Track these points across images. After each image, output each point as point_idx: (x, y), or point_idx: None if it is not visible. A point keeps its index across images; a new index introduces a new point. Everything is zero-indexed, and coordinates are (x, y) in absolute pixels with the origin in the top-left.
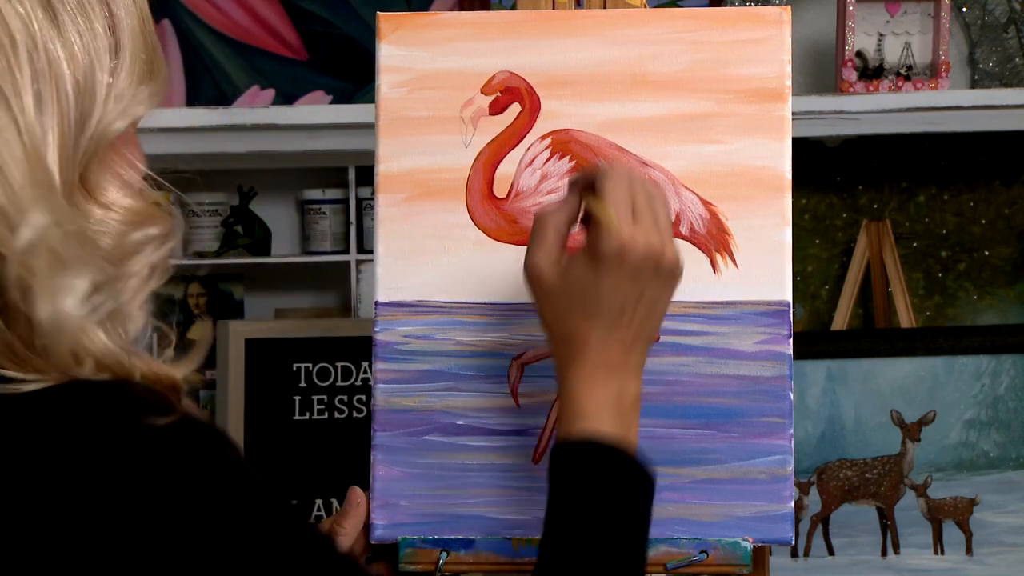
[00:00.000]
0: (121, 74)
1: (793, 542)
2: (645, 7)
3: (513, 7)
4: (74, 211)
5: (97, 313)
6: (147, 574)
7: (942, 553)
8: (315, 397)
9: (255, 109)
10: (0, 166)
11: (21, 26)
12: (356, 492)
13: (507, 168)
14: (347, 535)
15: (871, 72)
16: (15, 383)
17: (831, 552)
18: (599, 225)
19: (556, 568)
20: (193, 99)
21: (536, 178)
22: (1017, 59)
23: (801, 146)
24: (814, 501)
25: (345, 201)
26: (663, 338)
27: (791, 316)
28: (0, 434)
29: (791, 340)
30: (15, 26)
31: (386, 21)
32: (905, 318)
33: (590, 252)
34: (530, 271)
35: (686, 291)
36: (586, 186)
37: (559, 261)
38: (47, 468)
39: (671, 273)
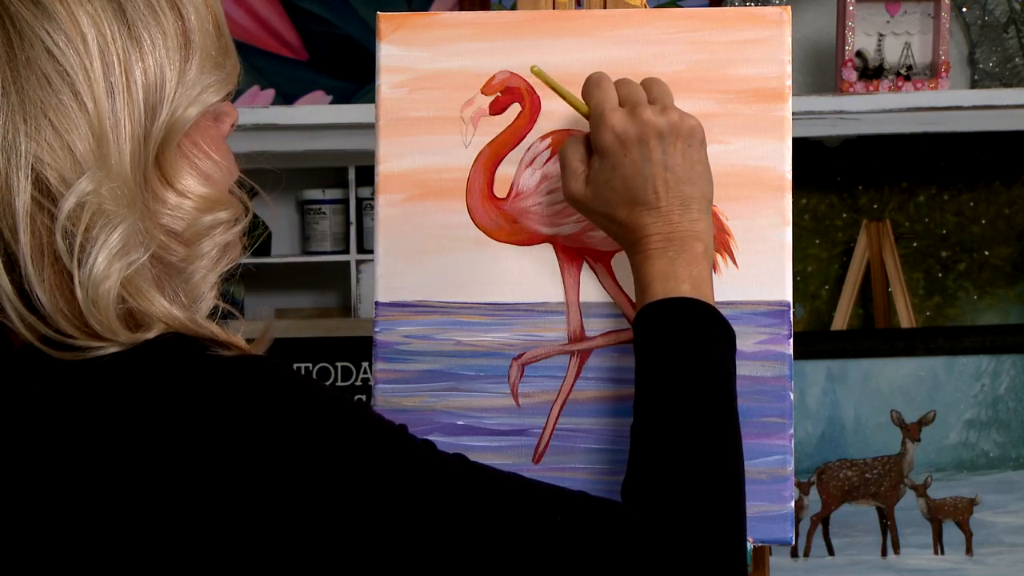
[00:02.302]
0: (191, 68)
1: (793, 542)
2: (645, 7)
3: (513, 7)
4: (135, 190)
5: (132, 268)
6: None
7: (942, 553)
8: None
9: (255, 109)
10: (68, 143)
11: (92, 25)
12: None
13: (507, 168)
14: None
15: (871, 72)
16: (85, 351)
17: (831, 552)
18: (592, 120)
19: (652, 420)
20: None
21: (536, 178)
22: (1017, 59)
23: (801, 146)
24: (814, 501)
25: (345, 201)
26: None
27: (791, 316)
28: (76, 399)
29: (791, 340)
30: (85, 25)
31: (386, 21)
32: (905, 318)
33: (597, 151)
34: (569, 199)
35: None
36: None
37: (584, 175)
38: (135, 429)
39: (684, 134)
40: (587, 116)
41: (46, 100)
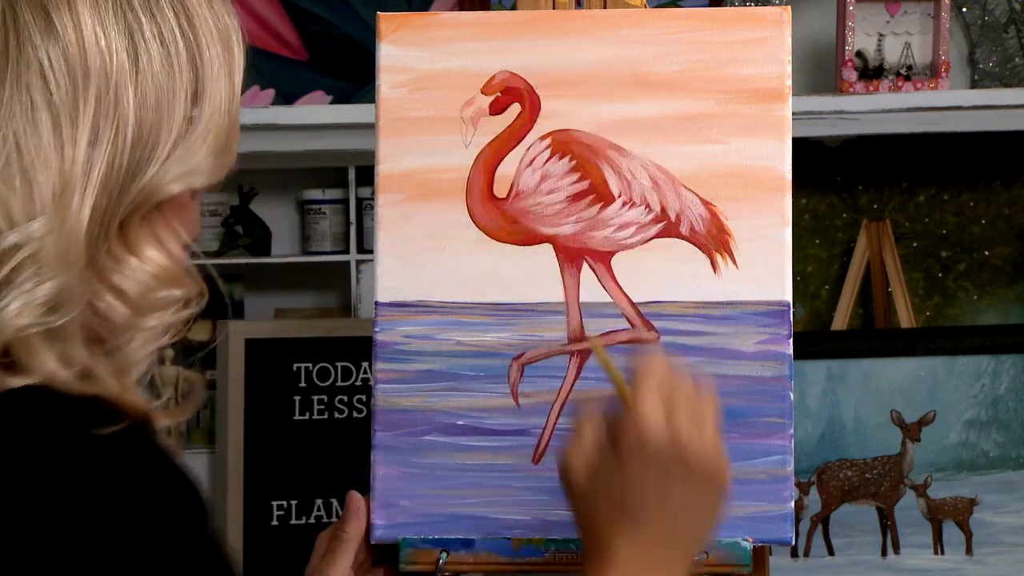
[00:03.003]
0: (192, 140)
1: (793, 542)
2: (645, 7)
3: (513, 7)
4: (86, 247)
5: (44, 327)
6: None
7: (942, 553)
8: (315, 397)
9: (255, 109)
10: (31, 180)
11: (99, 62)
12: (355, 497)
13: (507, 168)
14: (350, 540)
15: (871, 72)
16: None
17: (831, 552)
18: (627, 414)
19: None
20: None
21: (536, 178)
22: (1017, 59)
23: (801, 146)
24: (814, 501)
25: (345, 201)
26: (663, 338)
27: (791, 316)
28: None
29: (791, 340)
30: (92, 60)
31: (386, 21)
32: (905, 318)
33: (614, 443)
34: (562, 470)
35: (686, 291)
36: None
37: (591, 459)
38: None
39: (707, 476)
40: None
41: (24, 128)
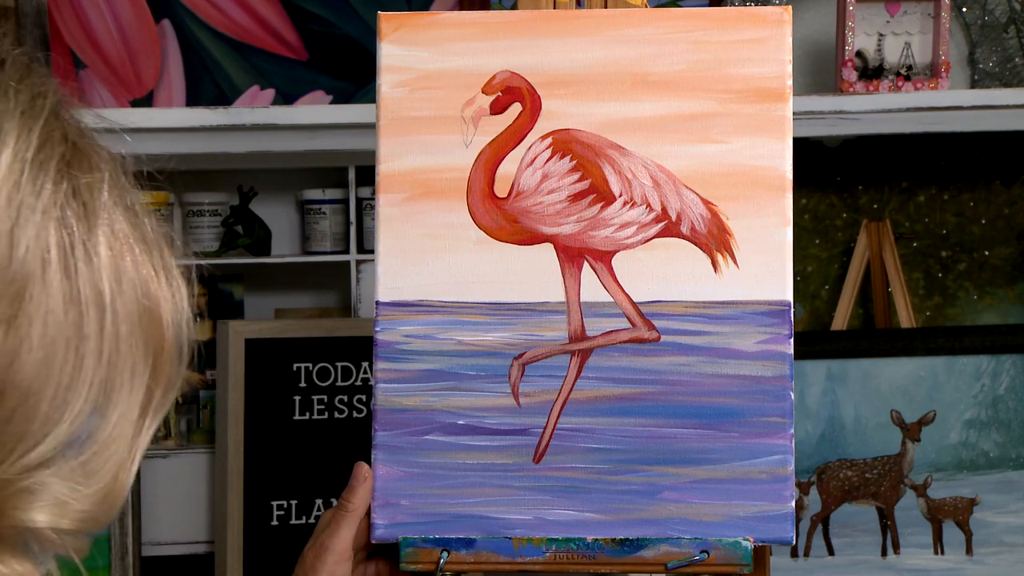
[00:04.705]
0: (87, 457)
1: (793, 542)
2: (646, 7)
3: (514, 7)
4: None
5: None
6: None
7: (942, 553)
8: (315, 397)
9: (255, 109)
10: None
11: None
12: (362, 467)
13: (508, 168)
14: (356, 510)
15: (871, 72)
16: None
17: (831, 552)
18: None
19: None
20: (193, 99)
21: (537, 178)
22: (1017, 59)
23: (801, 146)
24: (814, 501)
25: (345, 201)
26: (664, 338)
27: (792, 316)
28: None
29: (792, 340)
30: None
31: (387, 21)
32: (905, 318)
33: None
34: None
35: (687, 291)
36: None
37: None
38: None
39: None
40: None
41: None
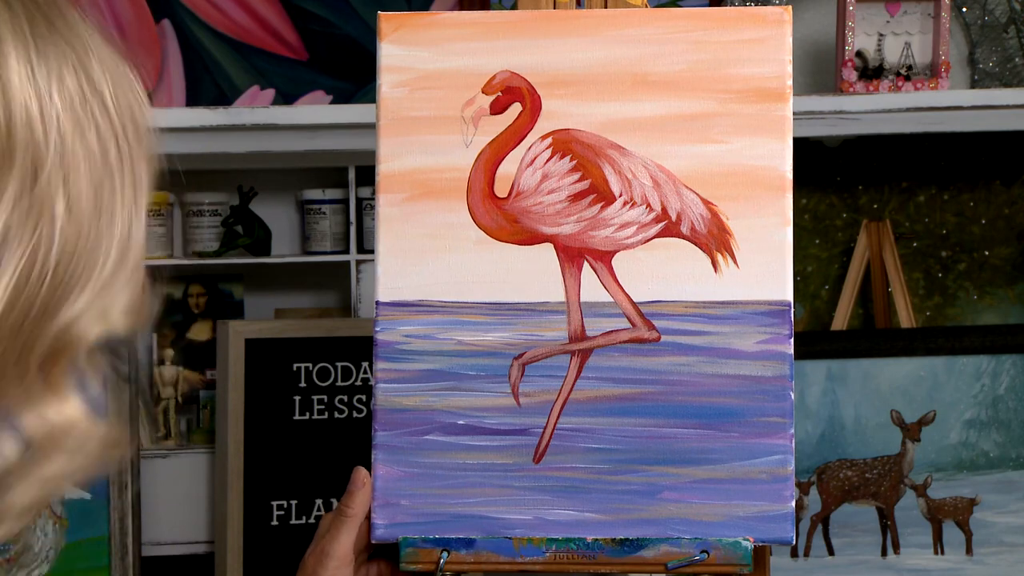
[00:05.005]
0: (128, 267)
1: (793, 542)
2: (646, 7)
3: (514, 7)
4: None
5: None
6: None
7: (942, 553)
8: (315, 397)
9: (255, 109)
10: None
11: (27, 132)
12: (361, 472)
13: (508, 168)
14: (355, 516)
15: (871, 72)
16: None
17: (831, 552)
18: None
19: None
20: (193, 99)
21: (537, 178)
22: (1017, 59)
23: (801, 146)
24: (814, 501)
25: (345, 201)
26: (664, 338)
27: (792, 316)
28: None
29: (792, 340)
30: (17, 123)
31: (387, 21)
32: (905, 318)
33: None
34: None
35: (687, 291)
36: None
37: None
38: None
39: None
40: None
41: None
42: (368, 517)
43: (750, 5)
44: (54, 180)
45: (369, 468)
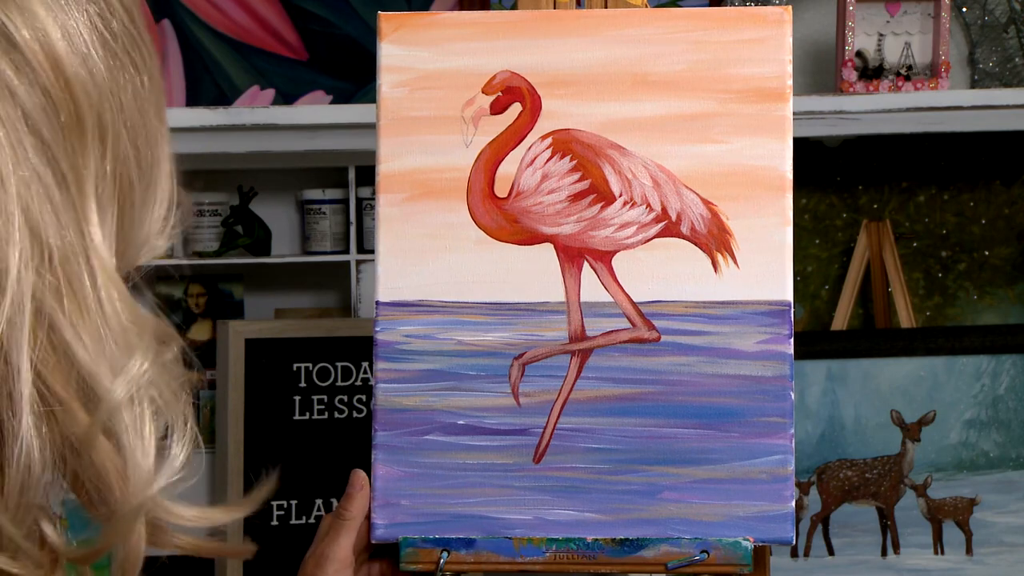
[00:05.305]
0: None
1: (793, 542)
2: (646, 7)
3: (514, 7)
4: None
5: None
6: None
7: (942, 553)
8: (315, 397)
9: (255, 109)
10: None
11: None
12: (359, 475)
13: (508, 168)
14: (353, 519)
15: (871, 72)
16: None
17: (831, 552)
18: None
19: None
20: (193, 99)
21: (537, 178)
22: (1017, 59)
23: (801, 146)
24: (814, 501)
25: (345, 201)
26: (664, 338)
27: (792, 316)
28: None
29: (792, 340)
30: (74, 74)
31: (387, 21)
32: (905, 318)
33: None
34: None
35: (687, 291)
36: None
37: None
38: None
39: None
40: None
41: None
42: (368, 517)
43: (750, 5)
44: (116, 132)
45: (369, 468)
